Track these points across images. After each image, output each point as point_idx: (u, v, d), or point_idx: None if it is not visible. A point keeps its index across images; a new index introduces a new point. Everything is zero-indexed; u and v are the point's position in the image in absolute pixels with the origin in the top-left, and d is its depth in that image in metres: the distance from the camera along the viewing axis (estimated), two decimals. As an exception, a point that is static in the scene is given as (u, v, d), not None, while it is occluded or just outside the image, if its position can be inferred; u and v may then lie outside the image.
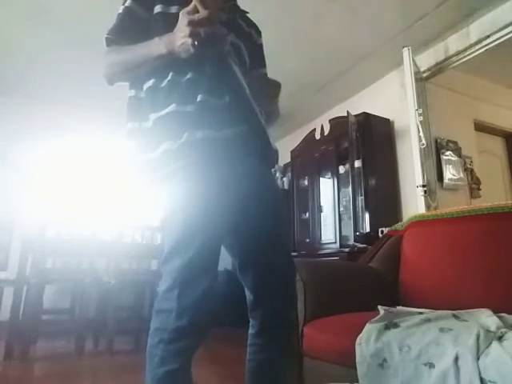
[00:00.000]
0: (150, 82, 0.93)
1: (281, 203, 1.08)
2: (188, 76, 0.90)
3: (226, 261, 1.30)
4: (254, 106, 0.93)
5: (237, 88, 0.92)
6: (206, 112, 0.88)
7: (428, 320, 1.13)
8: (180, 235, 0.88)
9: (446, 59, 3.00)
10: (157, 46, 0.85)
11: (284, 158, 4.31)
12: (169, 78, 0.91)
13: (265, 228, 0.98)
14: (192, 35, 0.78)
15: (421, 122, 2.54)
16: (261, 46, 1.17)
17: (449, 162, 3.28)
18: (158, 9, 0.90)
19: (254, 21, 1.19)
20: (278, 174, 4.57)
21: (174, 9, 0.92)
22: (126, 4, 0.94)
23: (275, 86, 1.12)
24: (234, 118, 0.91)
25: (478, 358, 0.89)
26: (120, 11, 0.95)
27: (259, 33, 1.18)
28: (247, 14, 1.15)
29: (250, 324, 1.02)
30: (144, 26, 0.89)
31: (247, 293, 1.02)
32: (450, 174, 3.25)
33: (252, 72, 1.09)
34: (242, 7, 1.15)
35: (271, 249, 0.99)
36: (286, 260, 1.01)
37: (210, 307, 0.88)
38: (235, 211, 0.93)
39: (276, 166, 1.16)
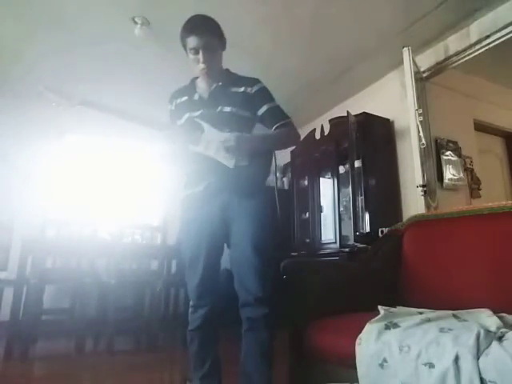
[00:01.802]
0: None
1: (258, 221, 1.43)
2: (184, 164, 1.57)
3: (226, 261, 1.46)
4: (219, 163, 1.42)
5: (205, 159, 1.44)
6: (190, 179, 1.54)
7: (428, 320, 1.13)
8: (182, 251, 1.53)
9: (446, 59, 2.99)
10: None
11: (284, 158, 4.30)
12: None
13: (238, 237, 1.42)
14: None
15: (421, 122, 2.54)
16: (258, 91, 1.52)
17: (449, 162, 3.28)
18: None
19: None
20: (278, 178, 4.53)
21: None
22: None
23: (282, 118, 1.52)
24: (205, 176, 1.46)
25: (478, 358, 0.89)
26: None
27: (252, 83, 1.53)
28: (239, 76, 1.57)
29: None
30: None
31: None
32: (450, 173, 3.25)
33: (258, 112, 1.52)
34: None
35: (243, 254, 1.40)
36: (255, 263, 1.38)
37: (207, 293, 1.44)
38: (211, 230, 1.45)
39: (252, 192, 1.49)
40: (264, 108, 1.51)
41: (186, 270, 1.49)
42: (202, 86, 1.57)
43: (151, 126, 1.45)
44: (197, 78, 1.60)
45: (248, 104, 1.50)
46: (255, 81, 1.54)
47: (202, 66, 1.46)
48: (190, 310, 1.46)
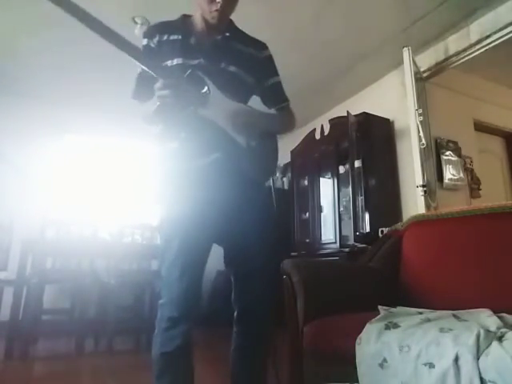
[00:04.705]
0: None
1: (263, 213, 1.23)
2: (176, 124, 1.17)
3: (220, 262, 1.28)
4: (229, 136, 1.13)
5: (210, 126, 1.12)
6: (186, 146, 1.16)
7: (428, 320, 1.13)
8: (163, 242, 1.14)
9: (446, 59, 2.99)
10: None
11: (284, 157, 4.31)
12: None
13: (245, 236, 1.18)
14: (158, 98, 1.07)
15: (421, 122, 2.54)
16: (267, 58, 1.31)
17: (449, 162, 3.28)
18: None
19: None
20: (277, 177, 4.52)
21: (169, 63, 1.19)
22: (138, 70, 1.25)
23: (283, 99, 1.34)
24: (211, 147, 1.14)
25: (478, 358, 0.88)
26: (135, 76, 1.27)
27: (260, 47, 1.30)
28: (246, 34, 1.31)
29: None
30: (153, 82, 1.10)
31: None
32: (449, 174, 3.25)
33: (265, 83, 1.30)
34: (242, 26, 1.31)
35: (251, 255, 1.19)
36: (263, 267, 1.21)
37: (195, 301, 1.09)
38: (212, 220, 1.12)
39: (266, 179, 1.31)
40: (271, 81, 1.30)
41: (170, 263, 1.08)
42: (201, 29, 1.23)
43: (140, 60, 1.09)
44: (190, 16, 1.27)
45: (254, 69, 1.25)
46: (264, 45, 1.31)
47: (215, 7, 1.13)
48: (166, 324, 1.05)
